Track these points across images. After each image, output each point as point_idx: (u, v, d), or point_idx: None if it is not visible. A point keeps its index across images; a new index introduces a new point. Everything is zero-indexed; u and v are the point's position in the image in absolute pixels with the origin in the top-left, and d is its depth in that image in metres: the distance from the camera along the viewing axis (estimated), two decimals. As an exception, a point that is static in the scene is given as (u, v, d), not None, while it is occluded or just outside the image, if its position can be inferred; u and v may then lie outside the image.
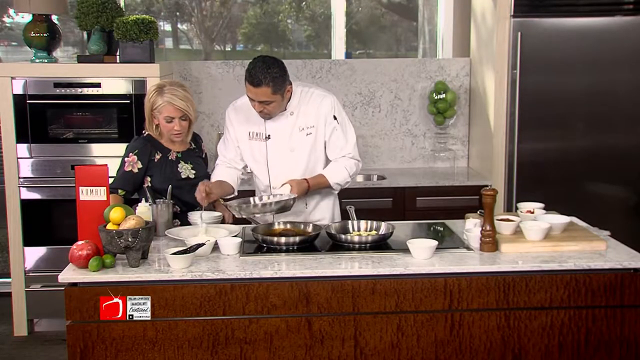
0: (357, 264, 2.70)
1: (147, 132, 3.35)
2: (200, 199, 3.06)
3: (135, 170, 3.24)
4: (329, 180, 3.29)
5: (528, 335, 2.68)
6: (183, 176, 3.30)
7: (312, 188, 3.24)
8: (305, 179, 3.23)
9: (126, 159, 3.26)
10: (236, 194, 3.40)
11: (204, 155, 3.49)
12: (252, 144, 3.33)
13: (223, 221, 3.27)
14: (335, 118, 3.29)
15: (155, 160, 3.27)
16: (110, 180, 2.95)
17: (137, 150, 3.26)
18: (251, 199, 3.23)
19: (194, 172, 3.33)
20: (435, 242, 2.75)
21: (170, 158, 3.30)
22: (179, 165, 3.31)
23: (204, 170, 3.42)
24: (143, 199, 3.09)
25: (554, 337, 2.69)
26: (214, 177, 3.35)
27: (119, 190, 3.21)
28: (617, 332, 2.70)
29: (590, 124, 4.45)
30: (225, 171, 3.37)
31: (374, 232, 3.03)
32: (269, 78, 3.05)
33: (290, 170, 3.28)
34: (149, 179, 3.27)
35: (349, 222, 3.12)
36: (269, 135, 3.29)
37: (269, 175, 3.33)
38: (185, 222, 3.22)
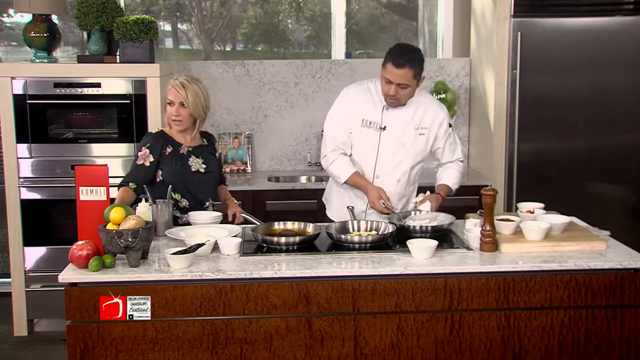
0: (357, 264, 2.70)
1: (160, 128, 3.41)
2: (383, 208, 3.21)
3: (147, 164, 3.26)
4: (452, 188, 3.45)
5: (528, 335, 2.68)
6: (193, 169, 3.32)
7: (443, 200, 3.34)
8: (439, 194, 3.34)
9: (139, 153, 3.30)
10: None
11: (217, 155, 3.50)
12: (365, 132, 3.33)
13: (223, 221, 3.27)
14: (450, 126, 3.45)
15: (167, 154, 3.29)
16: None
17: (149, 144, 3.29)
18: (413, 213, 3.20)
19: (204, 166, 3.36)
20: (435, 242, 2.75)
21: (181, 152, 3.33)
22: (190, 159, 3.33)
23: (215, 166, 3.44)
24: (143, 199, 3.09)
25: (554, 337, 2.69)
26: (348, 170, 3.31)
27: (130, 184, 3.24)
28: (617, 332, 2.70)
29: (590, 124, 4.45)
30: (349, 164, 3.34)
31: (374, 232, 3.03)
32: (414, 61, 3.14)
33: (396, 165, 3.35)
34: (160, 172, 3.28)
35: (349, 222, 3.12)
36: (384, 127, 3.31)
37: (375, 166, 3.35)
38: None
